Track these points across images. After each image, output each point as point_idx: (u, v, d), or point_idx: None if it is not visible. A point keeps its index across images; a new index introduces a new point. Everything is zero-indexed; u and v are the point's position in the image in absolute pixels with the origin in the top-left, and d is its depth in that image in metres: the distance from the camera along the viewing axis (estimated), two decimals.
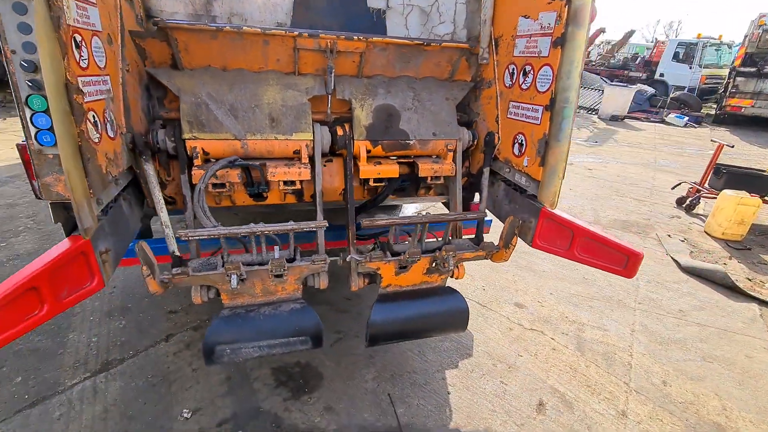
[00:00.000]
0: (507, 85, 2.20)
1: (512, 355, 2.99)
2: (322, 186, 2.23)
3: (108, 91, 1.64)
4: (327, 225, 1.99)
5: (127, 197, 1.91)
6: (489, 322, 3.33)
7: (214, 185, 2.07)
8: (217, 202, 2.27)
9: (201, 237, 1.81)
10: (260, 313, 2.10)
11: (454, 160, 2.39)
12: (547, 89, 1.86)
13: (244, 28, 1.89)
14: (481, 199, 2.35)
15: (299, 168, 2.12)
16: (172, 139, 1.99)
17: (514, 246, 2.17)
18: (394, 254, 2.13)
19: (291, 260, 2.05)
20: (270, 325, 2.09)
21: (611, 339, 3.23)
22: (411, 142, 2.30)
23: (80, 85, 1.39)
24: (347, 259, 2.05)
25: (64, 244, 1.42)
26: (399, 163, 2.37)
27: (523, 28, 2.01)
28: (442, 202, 2.96)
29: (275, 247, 1.99)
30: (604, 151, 9.96)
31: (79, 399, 2.40)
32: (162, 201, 1.89)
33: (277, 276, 2.04)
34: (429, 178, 2.37)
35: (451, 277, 2.38)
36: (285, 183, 2.15)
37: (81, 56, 1.42)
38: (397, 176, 2.30)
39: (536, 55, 1.92)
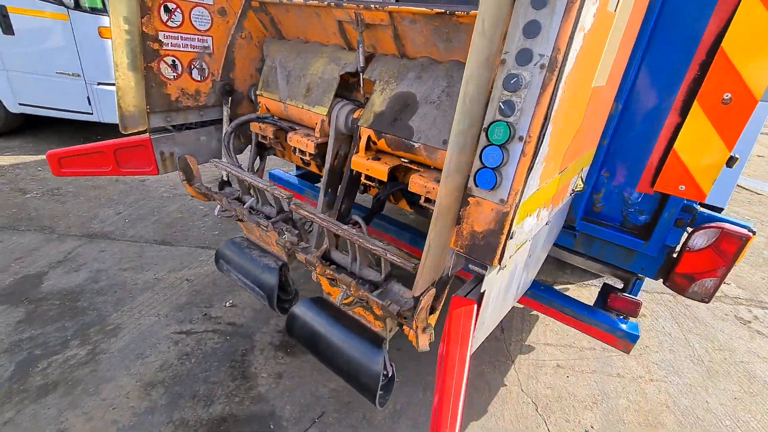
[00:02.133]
0: None
1: None
2: (330, 165, 2.15)
3: (205, 48, 2.30)
4: (291, 197, 1.98)
5: (219, 128, 2.62)
6: None
7: (263, 136, 2.45)
8: (282, 155, 2.65)
9: (220, 167, 2.29)
10: (251, 253, 2.42)
11: None
12: None
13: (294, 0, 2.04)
14: None
15: (309, 140, 2.14)
16: (255, 93, 2.49)
17: (423, 330, 1.34)
18: (325, 258, 1.83)
19: (268, 218, 2.20)
20: (248, 265, 2.38)
21: None
22: (415, 145, 1.76)
23: (159, 37, 2.08)
24: (284, 239, 1.97)
25: (135, 137, 2.25)
26: (410, 167, 1.89)
27: None
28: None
29: (250, 199, 2.20)
30: None
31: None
32: (225, 136, 2.47)
33: (264, 227, 2.26)
34: (422, 198, 1.75)
35: (406, 334, 1.75)
36: (299, 151, 2.23)
37: (171, 18, 2.10)
38: (384, 179, 1.85)
39: None
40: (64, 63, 5.23)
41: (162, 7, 2.04)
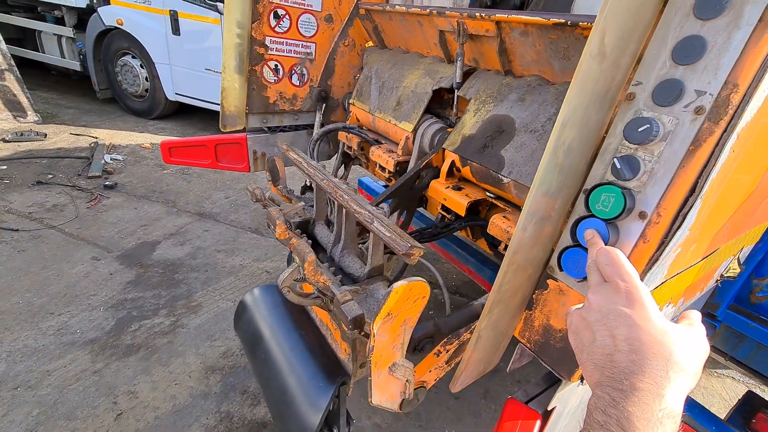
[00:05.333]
0: None
1: None
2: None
3: (308, 54, 2.31)
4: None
5: (311, 134, 2.62)
6: None
7: (348, 146, 2.38)
8: (366, 167, 2.56)
9: (299, 164, 2.28)
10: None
11: None
12: None
13: (397, 7, 1.90)
14: None
15: (389, 156, 1.99)
16: (349, 102, 2.43)
17: (389, 369, 1.05)
18: (303, 230, 1.46)
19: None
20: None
21: None
22: (504, 180, 1.47)
23: (266, 41, 2.13)
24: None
25: (233, 135, 2.36)
26: (496, 204, 1.60)
27: None
28: None
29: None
30: None
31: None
32: (311, 143, 2.46)
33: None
34: (503, 245, 1.45)
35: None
36: (380, 167, 2.09)
37: (279, 24, 2.14)
38: (462, 214, 1.59)
39: None
40: (212, 61, 6.03)
41: (272, 13, 2.09)
